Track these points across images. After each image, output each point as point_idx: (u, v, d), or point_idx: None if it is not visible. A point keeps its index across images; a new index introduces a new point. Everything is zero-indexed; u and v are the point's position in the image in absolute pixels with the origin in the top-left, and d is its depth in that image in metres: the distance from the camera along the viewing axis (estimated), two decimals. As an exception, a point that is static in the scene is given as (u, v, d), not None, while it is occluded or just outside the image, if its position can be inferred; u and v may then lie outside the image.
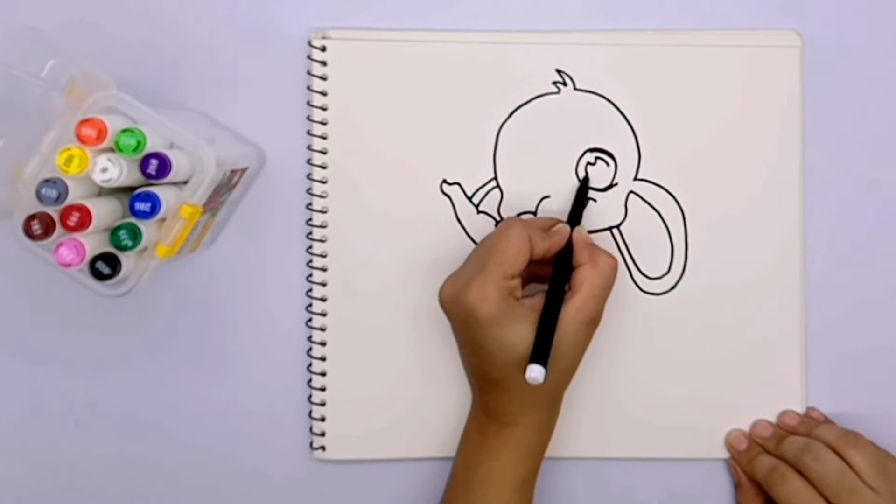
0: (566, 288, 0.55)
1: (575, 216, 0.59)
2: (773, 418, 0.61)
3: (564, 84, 0.61)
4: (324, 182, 0.60)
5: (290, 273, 0.61)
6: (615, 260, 0.56)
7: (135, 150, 0.48)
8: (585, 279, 0.54)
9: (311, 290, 0.61)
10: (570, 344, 0.54)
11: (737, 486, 0.61)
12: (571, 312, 0.54)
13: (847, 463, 0.56)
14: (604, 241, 0.61)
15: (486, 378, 0.55)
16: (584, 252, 0.56)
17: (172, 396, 0.61)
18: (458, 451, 0.59)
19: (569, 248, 0.56)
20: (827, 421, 0.60)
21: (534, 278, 0.57)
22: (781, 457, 0.58)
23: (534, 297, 0.55)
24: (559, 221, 0.58)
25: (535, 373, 0.51)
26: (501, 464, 0.56)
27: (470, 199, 0.61)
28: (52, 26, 0.58)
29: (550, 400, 0.57)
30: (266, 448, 0.61)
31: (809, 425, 0.59)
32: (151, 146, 0.49)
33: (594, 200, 0.61)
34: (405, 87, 0.60)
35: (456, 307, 0.54)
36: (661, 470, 0.61)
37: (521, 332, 0.53)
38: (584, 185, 0.60)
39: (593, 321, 0.55)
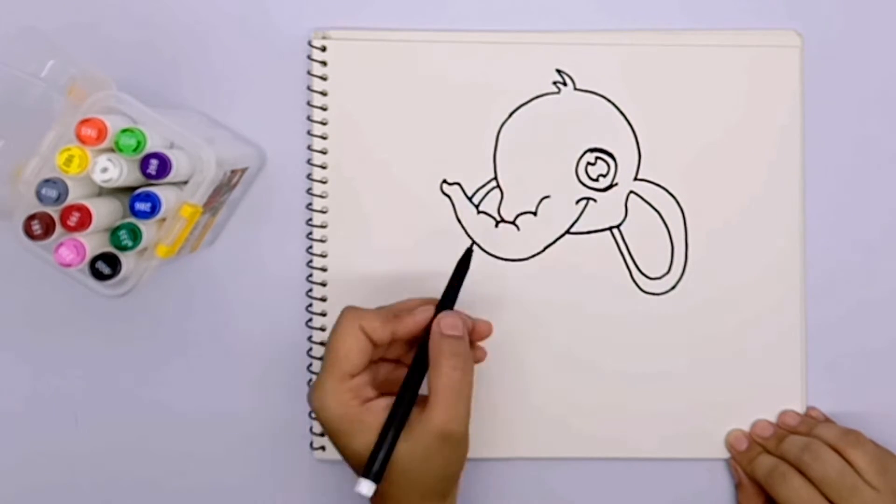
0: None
1: (448, 296, 0.54)
2: (773, 418, 0.61)
3: (564, 84, 0.61)
4: (324, 182, 0.60)
5: (290, 273, 0.61)
6: (463, 359, 0.50)
7: (135, 150, 0.48)
8: (433, 386, 0.49)
9: (311, 289, 0.61)
10: (420, 457, 0.49)
11: (737, 486, 0.61)
12: (422, 420, 0.49)
13: (847, 462, 0.56)
14: (604, 240, 0.61)
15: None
16: (433, 349, 0.50)
17: (172, 396, 0.61)
18: None
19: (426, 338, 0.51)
20: (827, 420, 0.60)
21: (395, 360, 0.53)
22: (782, 456, 0.58)
23: (386, 399, 0.50)
24: (430, 303, 0.53)
25: (363, 488, 0.48)
26: None
27: (470, 199, 0.61)
28: (52, 26, 0.58)
29: (440, 494, 0.51)
30: (266, 448, 0.61)
31: (809, 425, 0.59)
32: (151, 146, 0.49)
33: (594, 200, 0.61)
34: (405, 87, 0.60)
35: (313, 410, 0.51)
36: (661, 470, 0.61)
37: (366, 442, 0.49)
38: (465, 258, 0.55)
39: (447, 437, 0.49)
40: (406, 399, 0.50)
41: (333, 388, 0.50)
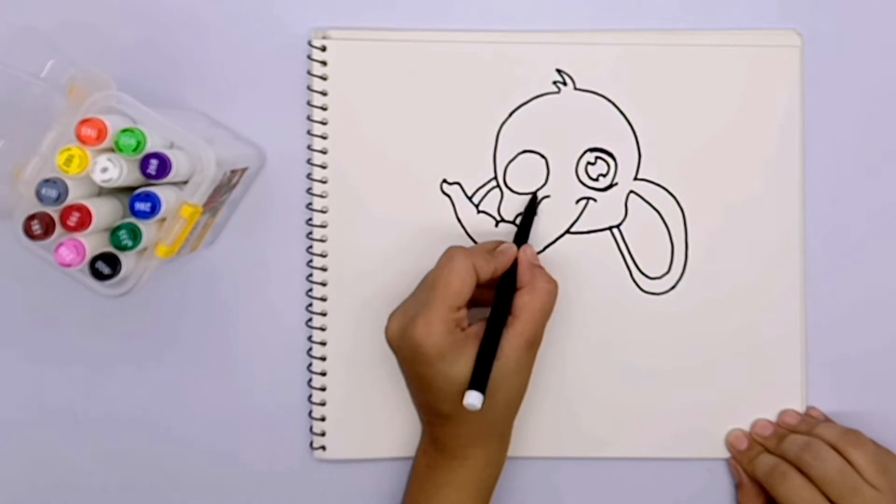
0: (509, 312, 0.55)
1: (522, 234, 0.59)
2: (773, 418, 0.61)
3: (564, 84, 0.61)
4: (324, 182, 0.60)
5: (290, 273, 0.61)
6: (554, 284, 0.55)
7: (135, 150, 0.48)
8: (524, 304, 0.54)
9: (311, 289, 0.61)
10: (512, 370, 0.54)
11: (738, 485, 0.61)
12: (510, 338, 0.53)
13: (848, 461, 0.56)
14: (604, 240, 0.61)
15: (436, 412, 0.55)
16: (525, 274, 0.55)
17: (172, 396, 0.61)
18: (407, 487, 0.59)
19: (513, 269, 0.56)
20: (827, 420, 0.60)
21: (477, 303, 0.56)
22: (782, 456, 0.58)
23: (478, 325, 0.54)
24: (503, 242, 0.58)
25: (473, 399, 0.51)
26: (450, 502, 0.56)
27: (470, 199, 0.61)
28: (52, 26, 0.58)
29: (500, 431, 0.57)
30: (266, 448, 0.61)
31: (810, 424, 0.59)
32: (151, 146, 0.49)
33: (594, 200, 0.61)
34: (405, 87, 0.60)
35: (402, 343, 0.54)
36: (661, 470, 0.61)
37: (467, 364, 0.53)
38: (532, 203, 0.60)
39: (533, 345, 0.55)
40: (500, 321, 0.54)
41: (443, 317, 0.53)
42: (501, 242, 0.57)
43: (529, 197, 0.60)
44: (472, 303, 0.55)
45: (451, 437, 0.56)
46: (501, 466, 0.58)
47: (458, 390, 0.52)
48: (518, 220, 0.60)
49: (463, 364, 0.53)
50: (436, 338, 0.52)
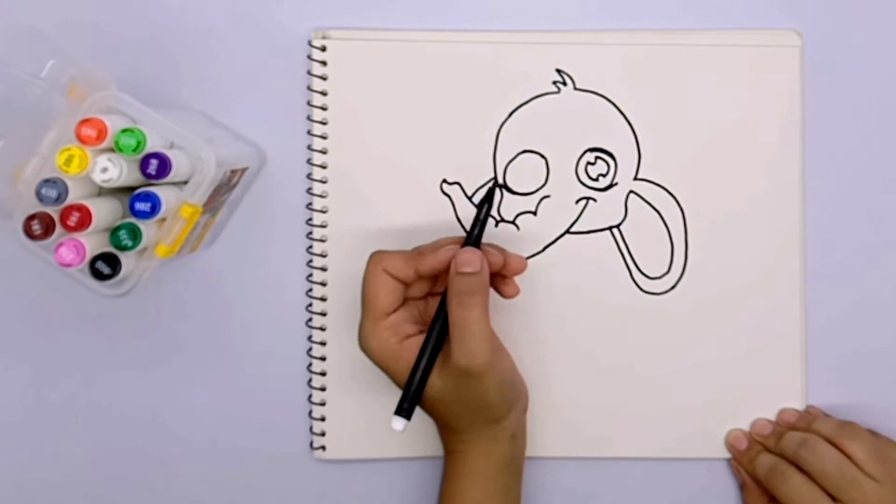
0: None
1: (472, 235, 0.54)
2: (773, 418, 0.61)
3: (564, 84, 0.61)
4: (324, 182, 0.60)
5: (291, 273, 0.61)
6: (482, 295, 0.52)
7: (135, 150, 0.48)
8: (450, 318, 0.52)
9: (311, 289, 0.61)
10: (454, 390, 0.53)
11: (742, 486, 0.61)
12: (447, 358, 0.52)
13: (845, 454, 0.56)
14: (604, 240, 0.61)
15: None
16: (451, 283, 0.52)
17: (173, 396, 0.61)
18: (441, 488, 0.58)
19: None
20: (824, 415, 0.60)
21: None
22: (781, 454, 0.58)
23: (418, 338, 0.53)
24: (457, 242, 0.54)
25: (395, 423, 0.52)
26: (461, 489, 0.56)
27: (470, 199, 0.61)
28: (52, 26, 0.58)
29: (490, 430, 0.55)
30: (266, 448, 0.61)
31: (808, 420, 0.59)
32: (151, 146, 0.49)
33: (594, 200, 0.61)
34: (405, 87, 0.60)
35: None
36: (661, 470, 0.61)
37: (406, 377, 0.53)
38: (487, 197, 0.55)
39: (467, 371, 0.52)
40: (433, 336, 0.53)
41: (371, 328, 0.53)
42: (452, 242, 0.54)
43: (486, 189, 0.57)
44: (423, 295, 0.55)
45: (441, 432, 0.57)
46: (511, 455, 0.56)
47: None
48: (517, 220, 0.60)
49: (404, 376, 0.53)
50: (374, 347, 0.53)
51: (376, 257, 0.54)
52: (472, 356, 0.51)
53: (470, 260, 0.52)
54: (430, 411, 0.55)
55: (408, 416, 0.52)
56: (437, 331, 0.53)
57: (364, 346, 0.54)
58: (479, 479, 0.56)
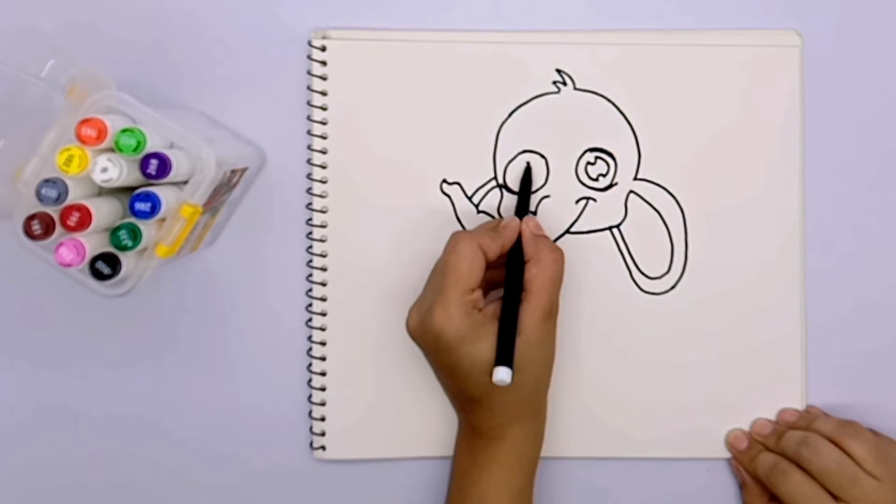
0: (522, 287, 0.55)
1: (522, 206, 0.59)
2: (773, 418, 0.61)
3: (564, 84, 0.61)
4: (324, 182, 0.60)
5: (290, 273, 0.61)
6: (560, 252, 0.55)
7: (135, 150, 0.48)
8: (534, 276, 0.54)
9: (311, 289, 0.61)
10: (534, 343, 0.54)
11: (741, 485, 0.61)
12: (527, 312, 0.54)
13: (846, 453, 0.56)
14: (604, 240, 0.61)
15: (467, 397, 0.56)
16: (530, 246, 0.56)
17: (173, 397, 0.61)
18: (451, 475, 0.59)
19: (520, 244, 0.56)
20: (825, 415, 0.60)
21: (493, 285, 0.57)
22: (781, 453, 0.58)
23: (494, 304, 0.55)
24: (504, 219, 0.58)
25: (502, 374, 0.52)
26: (494, 480, 0.56)
27: (470, 199, 0.61)
28: (52, 26, 0.58)
29: (535, 407, 0.57)
30: (266, 448, 0.61)
31: (808, 419, 0.59)
32: (151, 146, 0.49)
33: (594, 200, 0.61)
34: (405, 87, 0.60)
35: (424, 334, 0.54)
36: (661, 470, 0.61)
37: (490, 344, 0.53)
38: (527, 173, 0.60)
39: (550, 315, 0.55)
40: (515, 296, 0.54)
41: (458, 301, 0.53)
42: (502, 220, 0.57)
43: (524, 167, 0.60)
44: (489, 286, 0.56)
45: (486, 419, 0.56)
46: (541, 441, 0.58)
47: (485, 370, 0.53)
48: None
49: (485, 345, 0.53)
50: (455, 322, 0.53)
51: (469, 234, 0.55)
52: (557, 304, 0.55)
53: (540, 225, 0.57)
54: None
55: (511, 365, 0.52)
56: (516, 290, 0.55)
57: (444, 320, 0.53)
58: (523, 467, 0.57)
